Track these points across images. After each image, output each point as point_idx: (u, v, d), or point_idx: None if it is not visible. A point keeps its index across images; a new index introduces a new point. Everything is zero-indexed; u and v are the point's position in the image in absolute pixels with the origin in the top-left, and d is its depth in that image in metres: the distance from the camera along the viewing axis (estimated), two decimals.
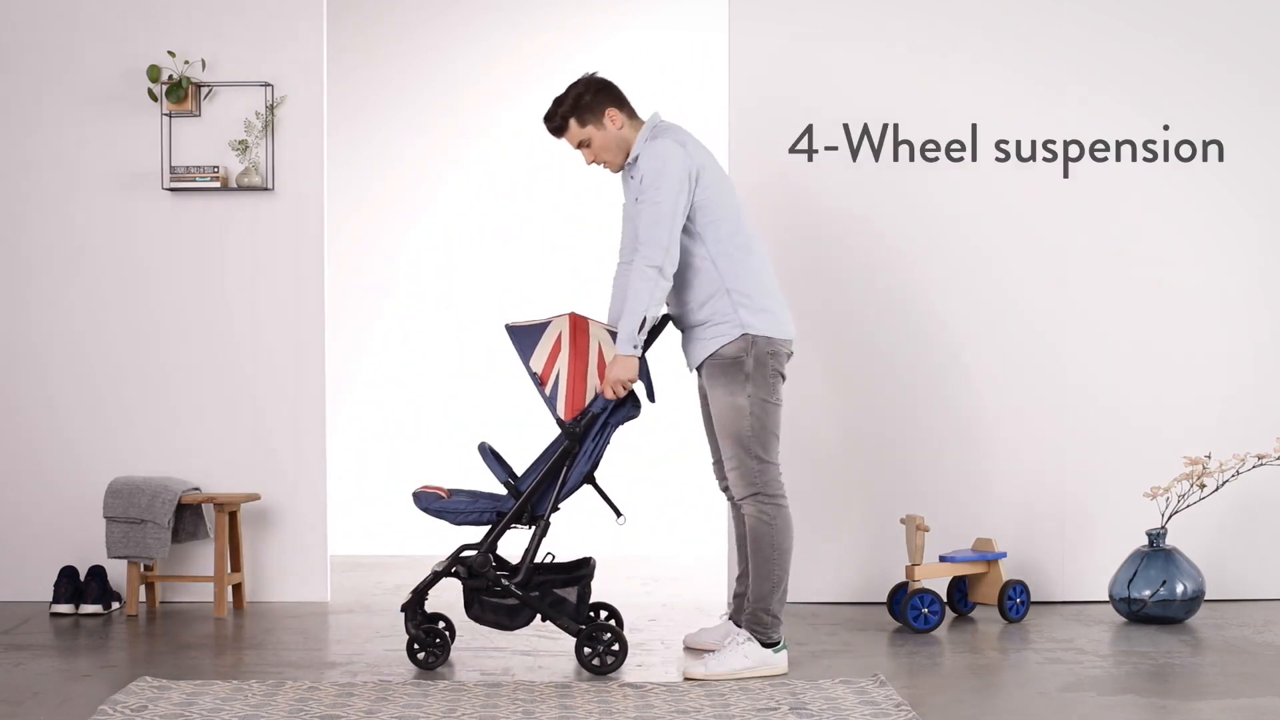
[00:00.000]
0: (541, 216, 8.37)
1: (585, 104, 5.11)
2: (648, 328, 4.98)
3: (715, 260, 5.04)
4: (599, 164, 5.17)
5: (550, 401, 5.02)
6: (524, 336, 5.05)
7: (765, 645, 5.01)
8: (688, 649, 5.41)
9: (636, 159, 5.07)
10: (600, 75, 5.19)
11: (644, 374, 5.08)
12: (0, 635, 5.69)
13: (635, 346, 4.97)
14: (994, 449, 6.36)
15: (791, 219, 6.34)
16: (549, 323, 5.07)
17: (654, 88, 8.23)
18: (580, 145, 5.15)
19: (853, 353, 6.37)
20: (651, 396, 5.12)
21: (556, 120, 5.15)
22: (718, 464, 5.31)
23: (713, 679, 4.90)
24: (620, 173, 5.24)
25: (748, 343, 5.02)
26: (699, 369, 5.16)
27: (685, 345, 5.19)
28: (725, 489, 5.33)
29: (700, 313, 5.07)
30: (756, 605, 5.05)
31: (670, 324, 5.20)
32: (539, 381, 5.02)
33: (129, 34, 6.39)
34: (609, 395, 5.00)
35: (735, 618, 5.33)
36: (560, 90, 5.19)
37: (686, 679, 4.92)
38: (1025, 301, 6.37)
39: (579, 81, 5.17)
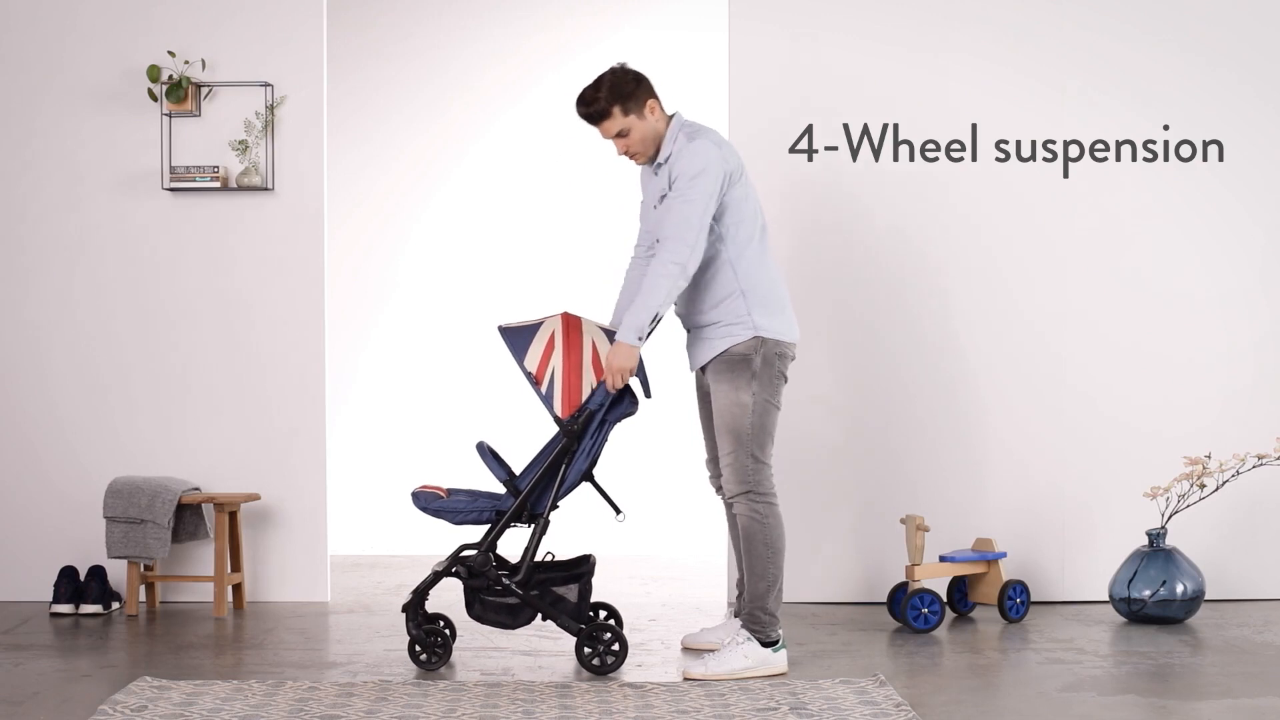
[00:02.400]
0: (542, 217, 8.37)
1: (629, 92, 5.05)
2: (657, 323, 4.98)
3: (734, 263, 5.05)
4: (629, 155, 5.11)
5: (547, 400, 5.01)
6: (517, 337, 5.05)
7: (764, 644, 5.01)
8: (686, 649, 5.41)
9: (669, 156, 5.04)
10: (632, 67, 5.13)
11: (639, 370, 5.08)
12: (0, 635, 5.69)
13: (640, 339, 4.95)
14: (994, 449, 6.36)
15: (791, 219, 6.33)
16: (542, 323, 5.07)
17: (654, 88, 8.28)
18: (618, 135, 5.07)
19: (853, 353, 6.36)
20: (648, 392, 5.12)
21: (600, 104, 5.03)
22: (712, 461, 5.31)
23: (712, 679, 4.90)
24: (644, 167, 5.21)
25: (757, 343, 5.03)
26: (703, 368, 5.16)
27: (691, 345, 5.18)
28: (720, 488, 5.34)
29: (712, 313, 5.07)
30: (753, 605, 5.05)
31: (661, 321, 5.19)
32: (534, 381, 5.01)
33: (129, 34, 6.38)
34: (611, 386, 4.98)
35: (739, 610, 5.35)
36: (589, 81, 5.08)
37: (686, 679, 4.92)
38: (1025, 301, 6.37)
39: (619, 70, 5.08)
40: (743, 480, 5.03)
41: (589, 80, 5.13)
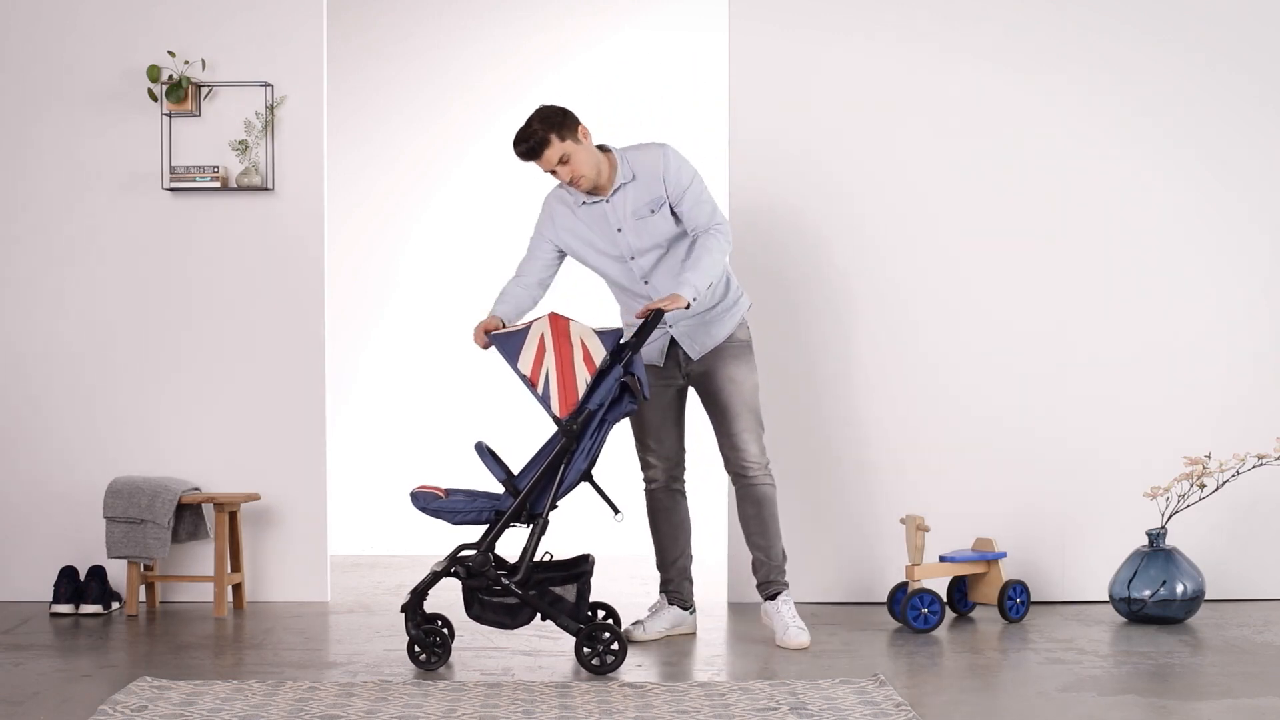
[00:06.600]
0: None
1: (559, 121, 5.20)
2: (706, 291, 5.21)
3: None
4: (573, 182, 5.24)
5: (544, 401, 5.03)
6: (508, 341, 5.10)
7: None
8: (634, 641, 5.48)
9: (632, 176, 5.27)
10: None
11: (639, 371, 5.09)
12: (0, 635, 5.69)
13: (695, 299, 5.14)
14: (994, 449, 6.36)
15: (791, 217, 6.34)
16: (530, 326, 5.10)
17: (654, 88, 8.29)
18: (560, 161, 5.20)
19: (853, 352, 6.36)
20: (645, 394, 5.14)
21: (537, 135, 5.18)
22: (660, 457, 5.53)
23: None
24: (592, 194, 5.31)
25: (745, 321, 5.47)
26: (690, 357, 5.39)
27: (695, 331, 5.38)
28: (660, 478, 5.55)
29: (716, 293, 5.36)
30: (779, 563, 5.48)
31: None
32: (530, 383, 5.04)
33: (129, 34, 6.39)
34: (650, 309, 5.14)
35: (676, 600, 5.62)
36: (520, 124, 5.24)
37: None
38: (1025, 301, 6.37)
39: (541, 108, 5.24)
40: (763, 450, 5.45)
41: (524, 119, 5.25)
